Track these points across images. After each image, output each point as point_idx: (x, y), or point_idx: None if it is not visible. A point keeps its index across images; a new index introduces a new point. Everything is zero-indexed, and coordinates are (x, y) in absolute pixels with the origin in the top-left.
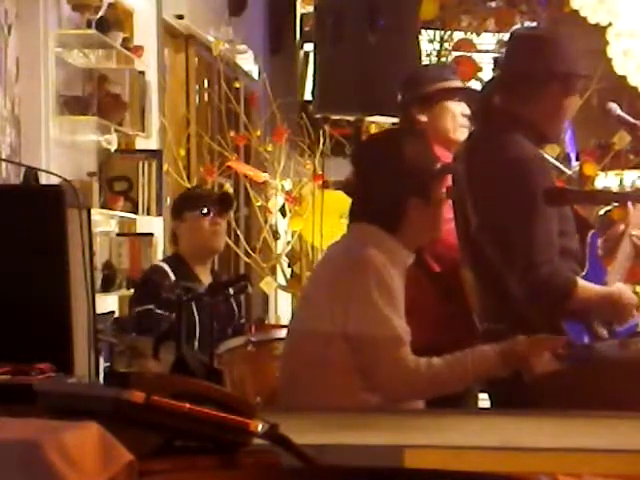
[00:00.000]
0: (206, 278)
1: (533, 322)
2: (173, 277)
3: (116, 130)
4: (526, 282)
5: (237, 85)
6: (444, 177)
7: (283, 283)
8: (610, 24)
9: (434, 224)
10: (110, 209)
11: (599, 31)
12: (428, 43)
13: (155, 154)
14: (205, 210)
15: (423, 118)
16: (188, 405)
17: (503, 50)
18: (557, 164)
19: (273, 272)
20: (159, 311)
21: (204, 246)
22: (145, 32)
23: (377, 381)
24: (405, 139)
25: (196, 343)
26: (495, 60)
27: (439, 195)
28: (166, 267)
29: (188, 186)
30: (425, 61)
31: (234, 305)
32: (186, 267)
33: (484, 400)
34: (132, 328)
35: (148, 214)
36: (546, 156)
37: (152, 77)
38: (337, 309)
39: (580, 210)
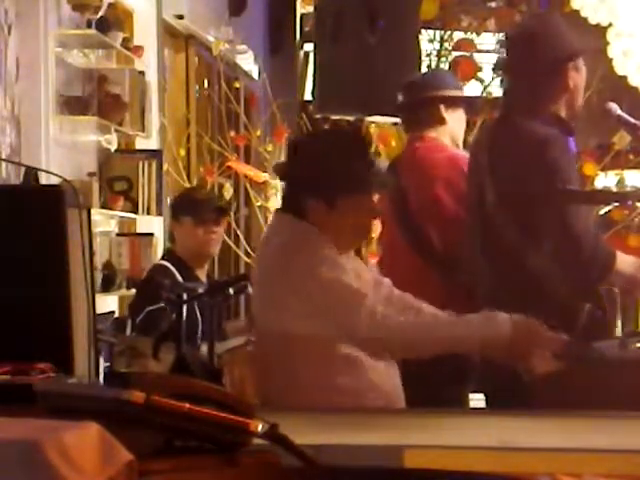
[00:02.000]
0: (204, 277)
1: (551, 302)
2: (179, 276)
3: (116, 130)
4: (568, 254)
5: (237, 85)
6: (362, 186)
7: None
8: (610, 24)
9: (345, 227)
10: (110, 209)
11: (599, 31)
12: (428, 43)
13: (155, 154)
14: (200, 218)
15: (447, 117)
16: (188, 405)
17: (502, 52)
18: None
19: None
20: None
21: (198, 251)
22: (145, 32)
23: (353, 332)
24: (340, 141)
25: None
26: (496, 63)
27: (344, 203)
28: (170, 266)
29: (188, 186)
30: (425, 61)
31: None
32: (186, 267)
33: (479, 401)
34: (141, 329)
35: (148, 214)
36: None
37: (152, 77)
38: (291, 297)
39: None
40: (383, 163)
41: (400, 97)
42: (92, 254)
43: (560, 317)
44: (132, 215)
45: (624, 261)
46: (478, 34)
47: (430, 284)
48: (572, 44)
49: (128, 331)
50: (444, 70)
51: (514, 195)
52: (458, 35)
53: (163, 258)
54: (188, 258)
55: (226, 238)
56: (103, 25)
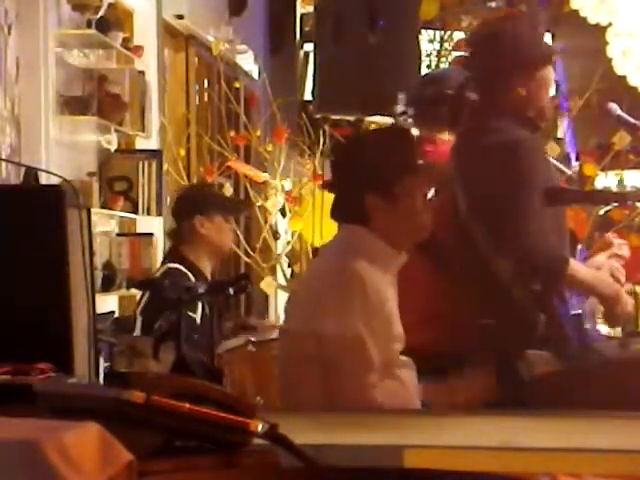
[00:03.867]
0: (209, 276)
1: (520, 307)
2: (193, 279)
3: (116, 130)
4: (518, 253)
5: (237, 85)
6: (415, 174)
7: (283, 283)
8: (610, 24)
9: (405, 221)
10: (110, 209)
11: (599, 31)
12: (428, 43)
13: (155, 154)
14: (229, 214)
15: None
16: (188, 405)
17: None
18: (557, 164)
19: (273, 272)
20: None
21: (221, 249)
22: (145, 32)
23: (340, 401)
24: (377, 137)
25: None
26: (463, 60)
27: (401, 191)
28: (184, 269)
29: (206, 182)
30: (425, 61)
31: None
32: (198, 269)
33: None
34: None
35: (148, 214)
36: (540, 140)
37: (152, 77)
38: (318, 321)
39: (570, 222)
40: None
41: (418, 90)
42: (92, 254)
43: (521, 328)
44: (132, 215)
45: (583, 271)
46: None
47: (438, 286)
48: (533, 50)
49: (138, 333)
50: None
51: (482, 199)
52: (458, 35)
53: (172, 260)
54: (200, 258)
55: None
56: (103, 25)
